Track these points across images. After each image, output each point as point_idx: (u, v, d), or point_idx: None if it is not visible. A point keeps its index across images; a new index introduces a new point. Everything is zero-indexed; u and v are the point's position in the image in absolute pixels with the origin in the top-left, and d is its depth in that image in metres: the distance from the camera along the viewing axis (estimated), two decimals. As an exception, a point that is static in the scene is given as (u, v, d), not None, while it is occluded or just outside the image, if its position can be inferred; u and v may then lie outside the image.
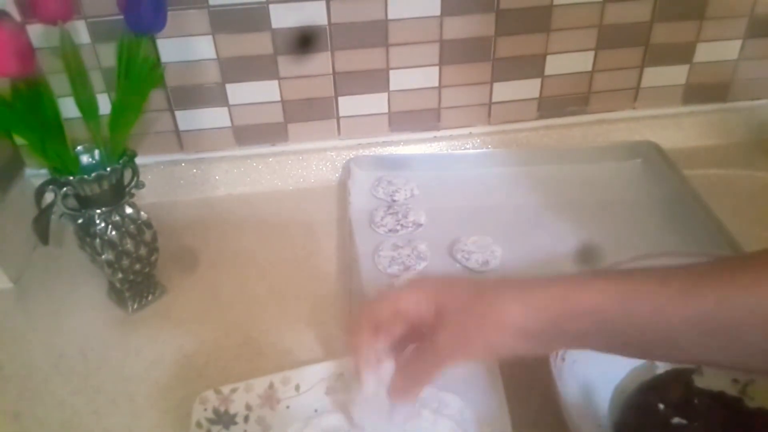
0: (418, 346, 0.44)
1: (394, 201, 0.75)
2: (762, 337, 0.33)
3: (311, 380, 0.51)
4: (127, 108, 0.56)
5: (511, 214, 0.72)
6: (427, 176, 0.78)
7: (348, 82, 0.76)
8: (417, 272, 0.64)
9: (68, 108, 0.53)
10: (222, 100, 0.76)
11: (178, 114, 0.76)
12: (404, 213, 0.72)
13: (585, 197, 0.75)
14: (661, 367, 0.51)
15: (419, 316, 0.43)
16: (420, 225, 0.71)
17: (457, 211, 0.73)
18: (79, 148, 0.57)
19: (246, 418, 0.49)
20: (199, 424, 0.48)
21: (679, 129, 0.84)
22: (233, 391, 0.50)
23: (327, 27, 0.72)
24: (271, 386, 0.51)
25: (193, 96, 0.75)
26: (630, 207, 0.73)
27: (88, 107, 0.54)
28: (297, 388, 0.51)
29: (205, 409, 0.49)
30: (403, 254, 0.66)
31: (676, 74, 0.82)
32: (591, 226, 0.69)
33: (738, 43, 0.80)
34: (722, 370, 0.44)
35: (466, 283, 0.44)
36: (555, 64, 0.79)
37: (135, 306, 0.62)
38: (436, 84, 0.78)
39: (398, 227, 0.70)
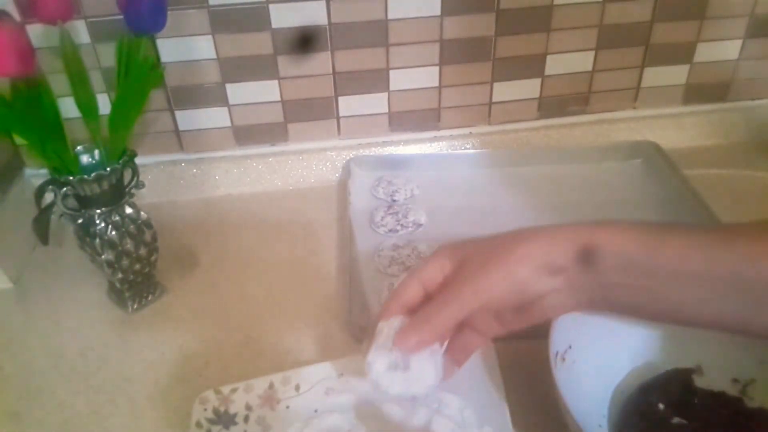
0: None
1: (394, 201, 0.75)
2: None
3: (311, 380, 0.51)
4: (127, 108, 0.56)
5: (511, 213, 0.72)
6: (427, 176, 0.78)
7: (348, 82, 0.76)
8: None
9: (68, 108, 0.53)
10: (222, 100, 0.76)
11: (178, 114, 0.76)
12: (404, 213, 0.72)
13: (585, 197, 0.75)
14: (661, 367, 0.51)
15: (445, 281, 0.41)
16: (420, 225, 0.71)
17: (457, 211, 0.73)
18: (79, 148, 0.57)
19: (246, 418, 0.49)
20: (199, 424, 0.48)
21: (679, 129, 0.84)
22: (233, 391, 0.50)
23: (327, 27, 0.72)
24: (271, 386, 0.51)
25: (193, 96, 0.75)
26: (630, 207, 0.73)
27: (88, 107, 0.54)
28: (297, 388, 0.51)
29: (205, 409, 0.49)
30: (403, 254, 0.66)
31: (676, 74, 0.82)
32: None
33: (738, 43, 0.80)
34: (735, 335, 0.39)
35: (489, 237, 0.42)
36: (555, 64, 0.79)
37: (135, 306, 0.62)
38: (436, 84, 0.78)
39: (398, 227, 0.70)
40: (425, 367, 0.43)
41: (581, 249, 0.38)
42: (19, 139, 0.72)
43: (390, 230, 0.70)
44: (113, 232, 0.57)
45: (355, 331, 0.58)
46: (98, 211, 0.57)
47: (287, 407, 0.50)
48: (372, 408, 0.50)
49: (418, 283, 0.42)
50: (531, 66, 0.79)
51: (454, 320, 0.41)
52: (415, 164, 0.80)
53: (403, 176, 0.78)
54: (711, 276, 0.35)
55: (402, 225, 0.70)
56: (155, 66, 0.70)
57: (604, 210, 0.72)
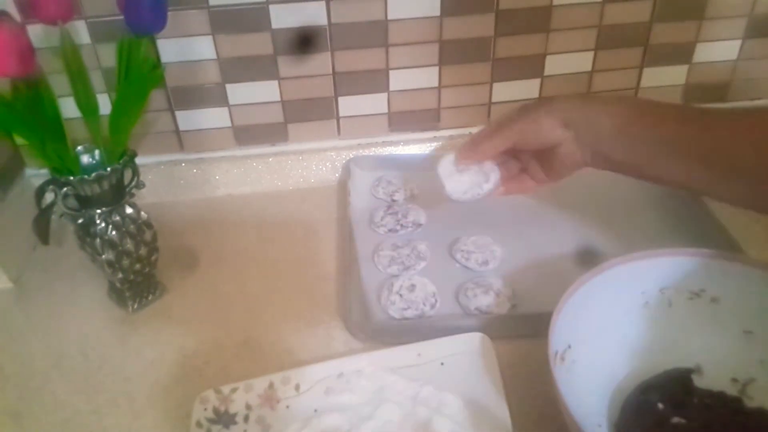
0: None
1: (393, 201, 0.75)
2: (752, 162, 0.44)
3: (311, 380, 0.51)
4: (128, 108, 0.56)
5: (511, 213, 0.72)
6: (427, 176, 0.78)
7: (348, 82, 0.77)
8: (417, 272, 0.64)
9: (68, 108, 0.53)
10: (222, 100, 0.76)
11: (178, 114, 0.76)
12: (404, 213, 0.72)
13: (583, 194, 0.75)
14: (661, 367, 0.51)
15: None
16: (420, 225, 0.71)
17: (456, 211, 0.73)
18: (79, 148, 0.57)
19: (246, 418, 0.50)
20: (199, 424, 0.48)
21: (678, 129, 0.84)
22: (233, 390, 0.50)
23: (327, 27, 0.72)
24: (270, 386, 0.51)
25: (193, 96, 0.75)
26: (629, 206, 0.73)
27: (88, 107, 0.54)
28: (297, 387, 0.51)
29: (205, 409, 0.49)
30: (402, 254, 0.66)
31: (675, 74, 0.82)
32: (590, 225, 0.69)
33: (737, 43, 0.80)
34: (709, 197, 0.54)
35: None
36: (555, 64, 0.79)
37: (135, 306, 0.62)
38: (436, 84, 0.78)
39: (398, 227, 0.70)
40: (479, 176, 0.59)
41: (585, 115, 0.52)
42: (19, 139, 0.71)
43: (390, 230, 0.70)
44: (113, 232, 0.58)
45: (355, 331, 0.58)
46: (98, 211, 0.57)
47: (287, 407, 0.50)
48: (372, 408, 0.50)
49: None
50: (530, 66, 0.79)
51: (496, 148, 0.57)
52: (415, 164, 0.80)
53: (403, 176, 0.78)
54: (679, 141, 0.47)
55: (402, 225, 0.70)
56: (155, 66, 0.69)
57: (603, 209, 0.72)
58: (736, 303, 0.50)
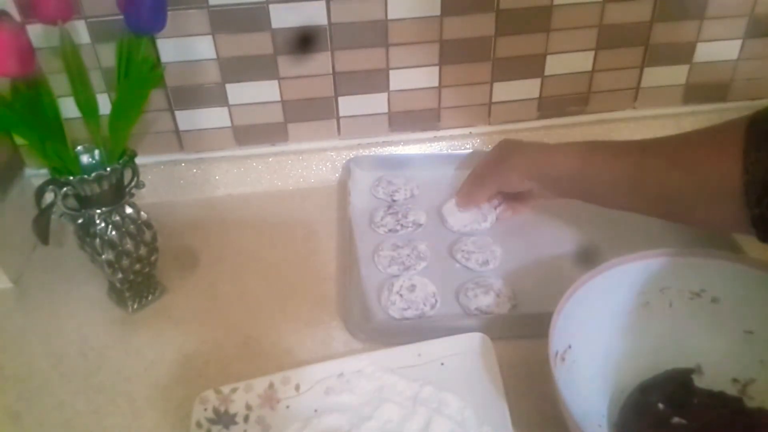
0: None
1: (394, 201, 0.75)
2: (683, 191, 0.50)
3: (311, 380, 0.51)
4: (127, 108, 0.56)
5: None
6: (427, 176, 0.78)
7: (348, 82, 0.76)
8: (417, 272, 0.64)
9: (68, 108, 0.53)
10: (222, 100, 0.76)
11: (178, 114, 0.76)
12: (404, 213, 0.72)
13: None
14: (662, 367, 0.51)
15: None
16: (420, 225, 0.71)
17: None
18: (79, 148, 0.57)
19: (246, 418, 0.49)
20: (199, 424, 0.48)
21: (679, 129, 0.82)
22: (233, 390, 0.50)
23: (327, 27, 0.72)
24: (271, 386, 0.51)
25: (193, 96, 0.75)
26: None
27: (88, 107, 0.54)
28: (297, 388, 0.51)
29: (205, 409, 0.49)
30: (402, 254, 0.66)
31: (676, 74, 0.82)
32: (591, 226, 0.69)
33: (738, 43, 0.80)
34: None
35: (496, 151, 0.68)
36: (555, 64, 0.79)
37: (135, 306, 0.62)
38: (436, 84, 0.78)
39: (398, 227, 0.70)
40: (478, 215, 0.70)
41: (541, 170, 0.61)
42: (19, 139, 0.72)
43: (390, 230, 0.70)
44: (113, 232, 0.58)
45: (355, 331, 0.58)
46: (98, 211, 0.57)
47: (287, 407, 0.50)
48: (372, 408, 0.50)
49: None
50: (531, 66, 0.79)
51: (485, 198, 0.69)
52: (415, 164, 0.80)
53: (403, 176, 0.78)
54: (617, 179, 0.54)
55: (402, 225, 0.70)
56: (155, 66, 0.70)
57: (602, 209, 0.72)
58: (736, 303, 0.50)
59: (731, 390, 0.49)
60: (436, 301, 0.60)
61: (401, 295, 0.60)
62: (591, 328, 0.49)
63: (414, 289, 0.61)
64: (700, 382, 0.50)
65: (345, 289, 0.62)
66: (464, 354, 0.52)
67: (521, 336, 0.54)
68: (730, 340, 0.50)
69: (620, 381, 0.50)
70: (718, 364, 0.50)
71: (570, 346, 0.47)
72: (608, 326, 0.50)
